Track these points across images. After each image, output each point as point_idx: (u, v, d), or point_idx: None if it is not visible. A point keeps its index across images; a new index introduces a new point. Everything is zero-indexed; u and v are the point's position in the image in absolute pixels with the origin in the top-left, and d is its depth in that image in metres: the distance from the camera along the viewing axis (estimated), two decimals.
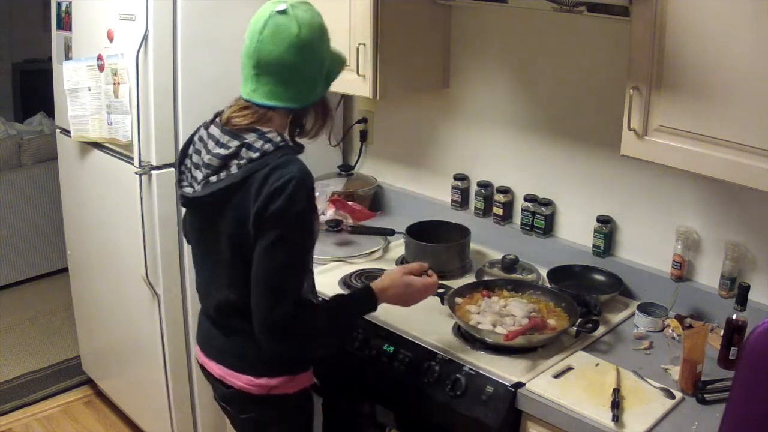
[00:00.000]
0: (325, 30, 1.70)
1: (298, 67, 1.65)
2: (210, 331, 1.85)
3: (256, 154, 1.62)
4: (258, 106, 1.67)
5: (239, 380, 1.77)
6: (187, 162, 1.78)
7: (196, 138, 1.78)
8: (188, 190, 1.74)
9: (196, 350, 1.93)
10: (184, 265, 2.67)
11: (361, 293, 1.86)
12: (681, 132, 1.70)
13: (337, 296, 1.86)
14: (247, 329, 1.69)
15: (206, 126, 1.76)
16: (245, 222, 1.62)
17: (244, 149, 1.64)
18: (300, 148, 1.73)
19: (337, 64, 1.76)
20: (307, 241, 1.69)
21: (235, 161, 1.64)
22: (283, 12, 1.62)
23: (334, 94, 1.85)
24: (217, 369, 1.82)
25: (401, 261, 2.43)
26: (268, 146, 1.63)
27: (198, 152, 1.74)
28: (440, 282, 2.18)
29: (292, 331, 1.63)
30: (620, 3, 1.81)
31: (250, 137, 1.64)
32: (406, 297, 1.86)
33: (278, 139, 1.65)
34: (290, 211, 1.59)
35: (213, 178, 1.66)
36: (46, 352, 3.81)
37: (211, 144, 1.69)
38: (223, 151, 1.65)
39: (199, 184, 1.70)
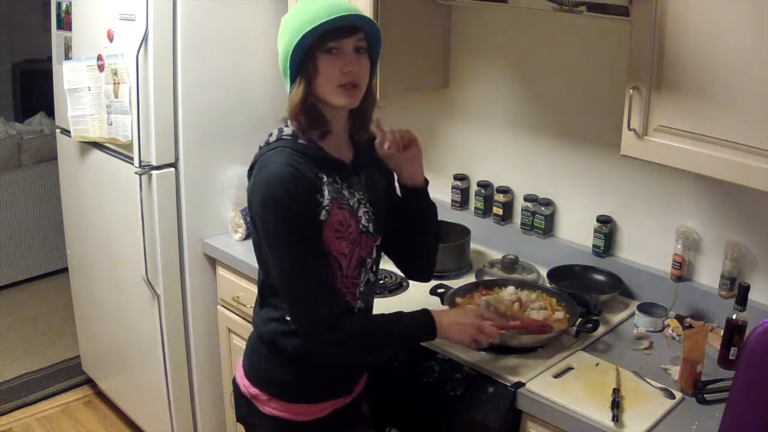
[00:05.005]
0: (286, 21, 1.58)
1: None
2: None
3: (263, 144, 1.65)
4: None
5: (238, 373, 1.79)
6: None
7: None
8: None
9: None
10: (184, 265, 2.68)
11: (420, 317, 1.68)
12: (681, 132, 1.70)
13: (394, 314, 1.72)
14: (256, 323, 1.76)
15: None
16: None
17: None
18: (308, 142, 1.61)
19: (288, 49, 1.54)
20: (295, 237, 1.54)
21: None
22: None
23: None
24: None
25: None
26: (272, 137, 1.64)
27: None
28: (440, 282, 2.19)
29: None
30: (620, 3, 1.81)
31: (274, 129, 1.66)
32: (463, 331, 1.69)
33: (287, 131, 1.62)
34: (262, 205, 1.55)
35: None
36: (46, 352, 3.81)
37: None
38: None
39: None
